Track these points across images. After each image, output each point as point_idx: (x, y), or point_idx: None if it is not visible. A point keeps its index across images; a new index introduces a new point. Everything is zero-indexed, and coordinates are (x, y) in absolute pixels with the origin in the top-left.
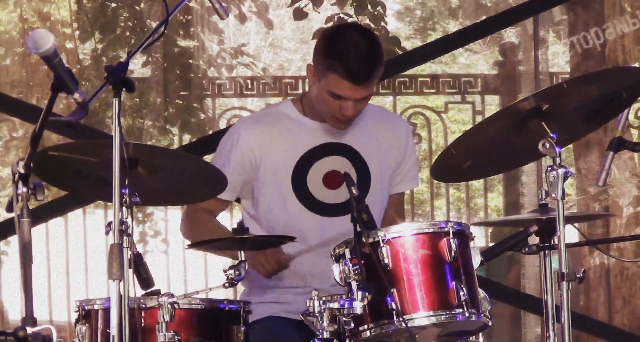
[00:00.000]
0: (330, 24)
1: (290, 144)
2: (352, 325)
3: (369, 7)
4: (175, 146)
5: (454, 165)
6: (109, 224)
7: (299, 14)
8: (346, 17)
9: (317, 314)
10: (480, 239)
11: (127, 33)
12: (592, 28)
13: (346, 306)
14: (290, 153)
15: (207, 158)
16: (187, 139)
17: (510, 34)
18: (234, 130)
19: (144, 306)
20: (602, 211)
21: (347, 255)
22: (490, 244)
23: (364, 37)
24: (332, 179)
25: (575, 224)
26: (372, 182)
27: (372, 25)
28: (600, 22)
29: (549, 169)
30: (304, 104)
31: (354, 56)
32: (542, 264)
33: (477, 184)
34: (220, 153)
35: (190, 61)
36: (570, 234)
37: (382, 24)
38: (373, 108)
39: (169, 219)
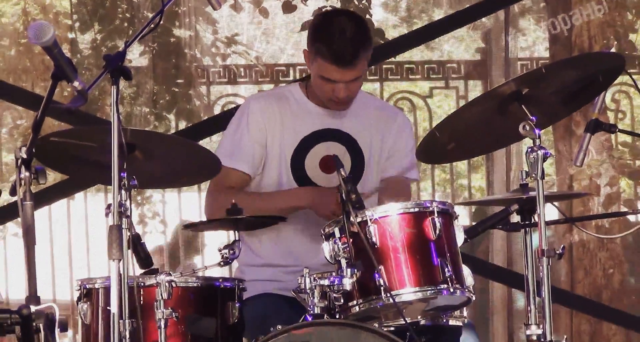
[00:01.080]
0: None
1: (294, 126)
2: (342, 301)
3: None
4: (172, 132)
5: (438, 147)
6: (109, 206)
7: (288, 7)
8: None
9: (308, 291)
10: (464, 218)
11: (125, 24)
12: (560, 14)
13: (336, 282)
14: (293, 135)
15: (202, 143)
16: (183, 125)
17: (493, 21)
18: (246, 106)
19: (142, 284)
20: (580, 190)
21: (337, 234)
22: (474, 223)
23: (350, 21)
24: (328, 164)
25: (555, 203)
26: (365, 168)
27: None
28: (567, 9)
29: (529, 150)
30: (309, 89)
31: (339, 39)
32: (523, 241)
33: (462, 166)
34: (236, 128)
35: (186, 50)
36: (550, 212)
37: (368, 16)
38: (374, 101)
39: (166, 201)
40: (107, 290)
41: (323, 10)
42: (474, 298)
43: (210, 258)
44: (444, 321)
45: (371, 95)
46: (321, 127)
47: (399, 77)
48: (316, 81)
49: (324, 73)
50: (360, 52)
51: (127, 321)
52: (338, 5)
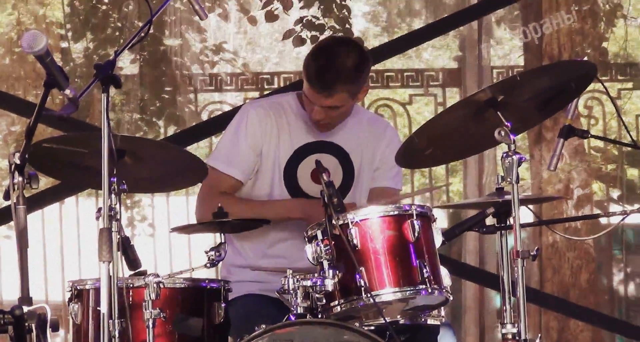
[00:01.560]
0: (299, 25)
1: (289, 136)
2: (324, 301)
3: (335, 10)
4: (161, 138)
5: (417, 152)
6: (99, 210)
7: (270, 17)
8: (314, 20)
9: (291, 292)
10: (442, 220)
11: (117, 33)
12: (531, 23)
13: (318, 283)
14: (287, 145)
15: (190, 148)
16: (172, 131)
17: (470, 30)
18: (244, 113)
19: (131, 285)
20: (554, 193)
21: (319, 236)
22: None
23: (349, 53)
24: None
25: (530, 206)
26: (355, 180)
27: (338, 27)
28: (538, 17)
29: (505, 155)
30: (304, 100)
31: (324, 65)
32: (499, 242)
33: (440, 170)
34: (233, 135)
35: (175, 58)
36: (524, 215)
37: (347, 26)
38: (366, 114)
39: (155, 205)
40: (97, 291)
41: (304, 20)
42: (451, 298)
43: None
44: (423, 320)
45: (362, 108)
46: (315, 138)
47: (379, 84)
48: (305, 100)
49: (306, 91)
50: (339, 84)
51: (116, 321)
52: (319, 14)
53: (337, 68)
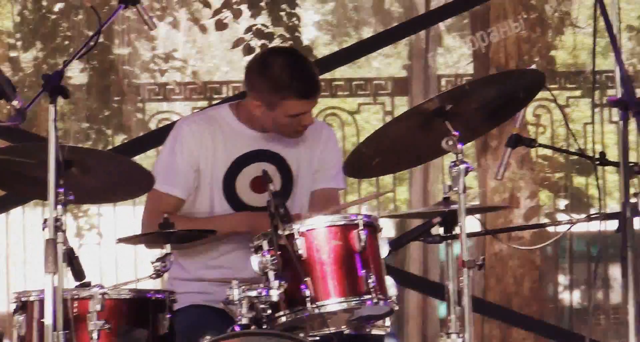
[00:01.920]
0: (249, 34)
1: (225, 148)
2: (269, 312)
3: (284, 18)
4: (110, 147)
5: (364, 162)
6: (45, 221)
7: (220, 25)
8: (263, 28)
9: (236, 302)
10: (389, 229)
11: (66, 42)
12: (479, 31)
13: (263, 294)
14: (224, 157)
15: (138, 158)
16: (120, 140)
17: (419, 39)
18: (178, 130)
19: (76, 296)
20: (502, 202)
21: (265, 247)
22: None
23: (291, 56)
24: (259, 184)
25: (477, 215)
26: (294, 185)
27: (288, 35)
28: (486, 26)
29: (452, 164)
30: (240, 111)
31: (300, 78)
32: (445, 252)
33: (387, 179)
34: (169, 153)
35: (124, 67)
36: (472, 224)
37: (296, 34)
38: None
39: (102, 213)
40: (41, 302)
41: (253, 29)
42: (397, 308)
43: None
44: (368, 330)
45: None
46: (251, 148)
47: (328, 93)
48: (282, 121)
49: (294, 111)
50: (318, 79)
51: (60, 332)
52: (269, 23)
53: (307, 71)
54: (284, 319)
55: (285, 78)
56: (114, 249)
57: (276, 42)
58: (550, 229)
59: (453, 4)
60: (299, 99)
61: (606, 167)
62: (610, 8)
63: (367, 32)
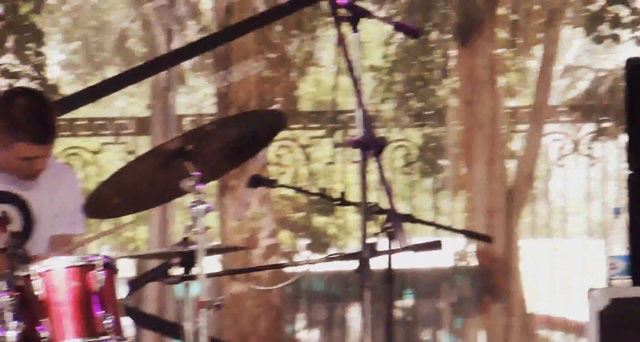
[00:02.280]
0: None
1: None
2: None
3: (31, 57)
4: None
5: (104, 202)
6: None
7: None
8: (9, 67)
9: None
10: (130, 269)
11: None
12: (221, 71)
13: (0, 334)
14: None
15: None
16: None
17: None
18: None
19: None
20: (242, 242)
21: (3, 287)
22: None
23: (32, 99)
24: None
25: (216, 256)
26: (35, 229)
27: (35, 74)
28: (227, 66)
29: (192, 205)
30: (11, 162)
31: (36, 122)
32: (184, 292)
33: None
34: None
35: None
36: (211, 264)
37: (42, 73)
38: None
39: None
40: None
41: None
42: None
43: None
44: None
45: None
46: None
47: (69, 133)
48: (14, 163)
49: (26, 154)
50: (55, 126)
51: None
52: (16, 61)
53: (43, 116)
54: None
55: (21, 120)
56: None
57: (23, 82)
58: (289, 268)
59: (196, 44)
60: (32, 143)
61: (347, 207)
62: (354, 48)
63: (111, 72)
